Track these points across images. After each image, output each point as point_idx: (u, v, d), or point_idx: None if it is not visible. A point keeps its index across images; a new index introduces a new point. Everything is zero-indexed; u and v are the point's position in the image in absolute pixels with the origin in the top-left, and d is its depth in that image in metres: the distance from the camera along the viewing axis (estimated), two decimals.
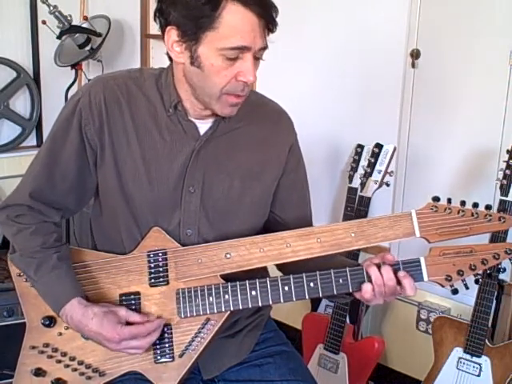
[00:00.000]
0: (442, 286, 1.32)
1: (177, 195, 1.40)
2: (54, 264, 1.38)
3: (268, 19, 1.27)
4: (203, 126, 1.41)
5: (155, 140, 1.39)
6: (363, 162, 2.41)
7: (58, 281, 1.37)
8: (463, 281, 1.33)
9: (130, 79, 1.41)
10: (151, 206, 1.40)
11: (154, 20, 1.33)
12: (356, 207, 2.41)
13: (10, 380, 1.47)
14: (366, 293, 1.30)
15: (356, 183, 2.43)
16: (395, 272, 1.30)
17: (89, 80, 3.32)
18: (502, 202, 2.04)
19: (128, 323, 1.35)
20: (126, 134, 1.39)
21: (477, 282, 1.36)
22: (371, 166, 2.37)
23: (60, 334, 1.41)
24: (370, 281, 1.30)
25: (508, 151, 2.05)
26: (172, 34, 1.29)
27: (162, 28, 1.31)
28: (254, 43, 1.26)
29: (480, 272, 1.34)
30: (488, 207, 1.33)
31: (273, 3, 1.29)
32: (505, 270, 1.78)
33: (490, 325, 2.15)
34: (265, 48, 1.30)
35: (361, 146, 2.45)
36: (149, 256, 1.38)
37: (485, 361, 2.12)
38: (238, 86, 1.30)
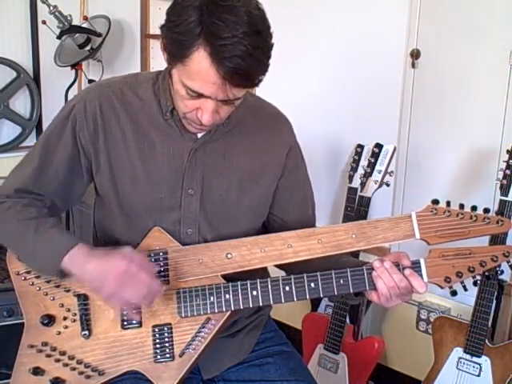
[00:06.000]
0: (441, 288, 1.33)
1: (176, 197, 1.40)
2: (53, 223, 1.38)
3: (235, 84, 1.19)
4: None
5: (153, 142, 1.39)
6: (363, 162, 2.41)
7: (60, 234, 1.37)
8: (462, 282, 1.33)
9: (126, 84, 1.42)
10: (150, 208, 1.40)
11: None
12: (356, 207, 2.41)
13: (7, 380, 1.46)
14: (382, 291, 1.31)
15: (356, 183, 2.43)
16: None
17: (89, 81, 3.33)
18: (501, 202, 2.04)
19: None
20: (124, 139, 1.39)
21: (475, 283, 1.36)
22: (371, 165, 2.37)
23: (59, 332, 1.41)
24: (374, 283, 1.31)
25: (508, 151, 2.04)
26: (163, 39, 1.26)
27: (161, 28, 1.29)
28: (214, 94, 1.21)
29: (479, 274, 1.34)
30: (486, 210, 1.34)
31: (255, 74, 1.20)
32: (503, 272, 1.78)
33: (490, 325, 2.15)
34: (235, 99, 1.24)
35: (361, 146, 2.45)
36: (149, 256, 1.38)
37: (485, 361, 2.12)
38: (197, 119, 1.28)
